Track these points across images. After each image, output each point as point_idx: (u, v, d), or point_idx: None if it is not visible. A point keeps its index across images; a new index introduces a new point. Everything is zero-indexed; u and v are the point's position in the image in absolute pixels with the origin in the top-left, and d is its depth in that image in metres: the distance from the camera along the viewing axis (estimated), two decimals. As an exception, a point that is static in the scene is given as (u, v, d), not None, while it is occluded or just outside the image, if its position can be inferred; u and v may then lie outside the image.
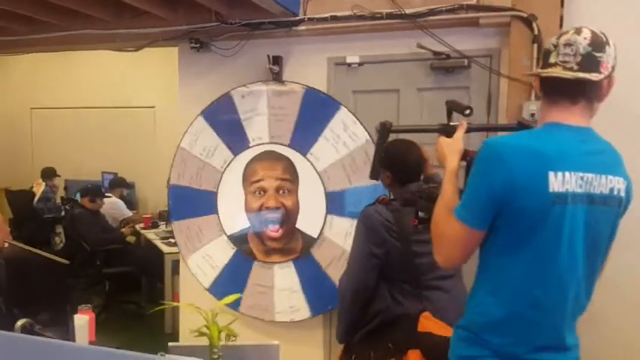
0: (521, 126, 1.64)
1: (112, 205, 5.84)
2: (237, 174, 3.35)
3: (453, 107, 1.75)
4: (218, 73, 3.49)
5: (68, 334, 1.50)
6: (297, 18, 3.21)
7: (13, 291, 1.68)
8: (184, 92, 3.65)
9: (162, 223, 5.82)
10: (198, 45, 3.42)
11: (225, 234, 3.39)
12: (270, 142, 3.28)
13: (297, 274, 3.26)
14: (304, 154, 3.21)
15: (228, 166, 3.37)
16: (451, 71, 3.07)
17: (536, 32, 2.79)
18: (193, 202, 3.42)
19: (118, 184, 6.28)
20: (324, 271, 3.20)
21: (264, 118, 3.29)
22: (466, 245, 1.49)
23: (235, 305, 3.15)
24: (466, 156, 1.62)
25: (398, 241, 2.18)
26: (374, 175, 2.04)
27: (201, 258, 3.47)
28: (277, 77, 3.29)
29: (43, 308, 1.58)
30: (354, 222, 2.33)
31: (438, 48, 3.02)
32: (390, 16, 3.04)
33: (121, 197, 6.24)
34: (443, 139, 1.66)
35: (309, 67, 3.30)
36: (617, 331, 2.84)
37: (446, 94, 3.10)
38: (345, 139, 3.14)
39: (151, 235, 5.41)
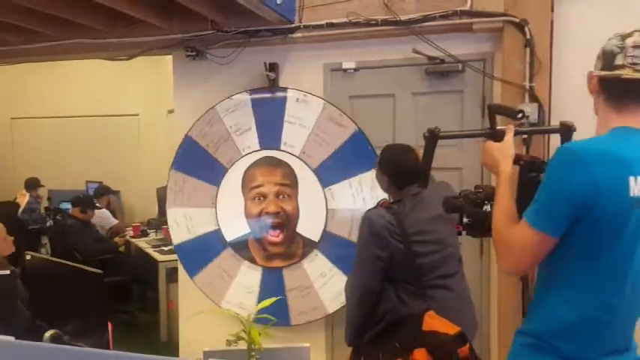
0: (565, 127, 1.62)
1: (100, 215, 5.79)
2: (235, 181, 3.37)
3: (500, 111, 1.69)
4: (214, 81, 3.50)
5: (102, 344, 1.50)
6: (293, 25, 3.25)
7: (36, 302, 1.66)
8: (180, 101, 3.65)
9: (151, 231, 5.79)
10: (194, 53, 3.43)
11: (229, 245, 3.43)
12: (268, 148, 3.31)
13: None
14: (304, 161, 3.26)
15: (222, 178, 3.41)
16: (446, 76, 3.15)
17: (528, 37, 2.88)
18: (202, 163, 3.44)
19: (104, 192, 6.23)
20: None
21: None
22: (538, 252, 1.45)
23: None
24: (519, 160, 1.58)
25: (400, 242, 2.21)
26: (423, 185, 2.03)
27: (182, 216, 3.50)
28: (274, 84, 3.32)
29: (71, 319, 1.58)
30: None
31: (433, 53, 3.09)
32: (385, 22, 3.11)
33: (108, 205, 6.18)
34: (491, 144, 1.62)
35: (306, 74, 3.35)
36: None
37: (440, 99, 3.20)
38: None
39: (141, 243, 5.38)
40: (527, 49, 2.88)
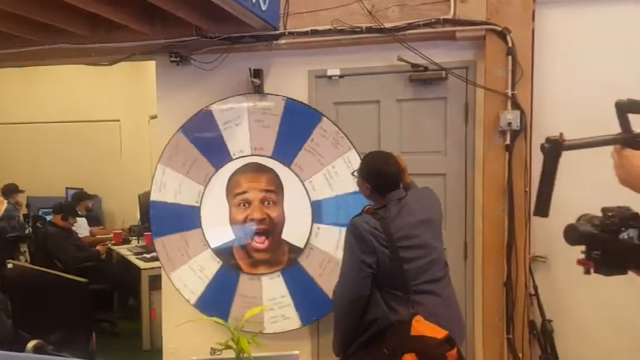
0: None
1: (77, 223, 5.70)
2: (220, 187, 3.35)
3: (634, 109, 1.31)
4: (198, 86, 3.48)
5: (87, 354, 1.47)
6: (278, 32, 3.26)
7: (18, 312, 1.62)
8: (163, 106, 3.62)
9: (133, 238, 5.72)
10: (178, 59, 3.41)
11: (210, 247, 3.38)
12: (254, 155, 3.30)
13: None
14: (288, 165, 3.25)
15: (210, 179, 3.37)
16: (429, 83, 3.18)
17: (510, 45, 2.94)
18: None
19: (82, 197, 6.13)
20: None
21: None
22: None
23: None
24: None
25: (386, 248, 2.22)
26: (541, 211, 1.42)
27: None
28: (258, 90, 3.32)
29: (55, 329, 1.55)
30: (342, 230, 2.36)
31: (417, 61, 3.12)
32: (369, 30, 3.13)
33: (87, 210, 6.10)
34: (632, 153, 1.27)
35: (290, 80, 3.35)
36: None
37: (424, 105, 3.24)
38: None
39: (123, 250, 5.31)
40: (509, 57, 2.94)
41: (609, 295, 2.84)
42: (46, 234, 5.00)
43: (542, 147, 1.38)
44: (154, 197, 3.46)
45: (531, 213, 1.78)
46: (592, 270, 1.29)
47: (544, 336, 2.94)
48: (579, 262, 1.32)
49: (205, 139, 3.36)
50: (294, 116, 3.23)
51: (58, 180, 6.80)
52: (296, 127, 3.23)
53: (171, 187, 3.41)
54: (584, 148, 1.32)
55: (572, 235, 1.32)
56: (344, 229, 2.37)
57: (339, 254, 2.46)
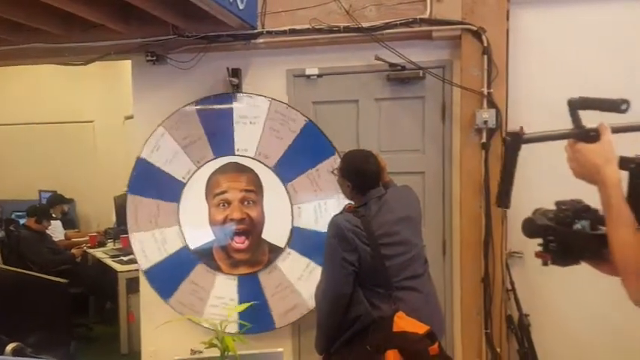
0: None
1: (52, 226, 5.60)
2: (199, 187, 3.33)
3: (591, 105, 1.33)
4: (175, 86, 3.45)
5: (67, 356, 1.45)
6: (256, 31, 3.25)
7: (-5, 315, 1.59)
8: (139, 106, 3.58)
9: (109, 240, 5.64)
10: (154, 58, 3.38)
11: (180, 225, 3.38)
12: (235, 155, 3.28)
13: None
14: (270, 167, 3.24)
15: (190, 177, 3.34)
16: (407, 82, 3.22)
17: (485, 44, 2.99)
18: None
19: (58, 201, 6.03)
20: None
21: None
22: None
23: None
24: (629, 163, 1.28)
25: (368, 246, 2.24)
26: (503, 202, 1.46)
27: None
28: (237, 89, 3.31)
29: (34, 331, 1.52)
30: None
31: (394, 60, 3.15)
32: (347, 29, 3.14)
33: (63, 214, 5.99)
34: (586, 147, 1.30)
35: (269, 80, 3.35)
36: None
37: (402, 104, 3.27)
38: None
39: (99, 253, 5.23)
40: (485, 57, 2.99)
41: (584, 290, 2.91)
42: (19, 237, 4.90)
43: (504, 140, 1.48)
44: (144, 155, 3.40)
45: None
46: (549, 262, 1.35)
47: (521, 330, 3.00)
48: (537, 254, 1.38)
49: (215, 125, 3.32)
50: (311, 138, 3.22)
51: (31, 183, 6.65)
52: (308, 151, 3.22)
53: (164, 153, 3.37)
54: (541, 141, 1.37)
55: (529, 228, 1.39)
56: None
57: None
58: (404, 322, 2.18)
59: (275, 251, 3.25)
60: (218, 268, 3.33)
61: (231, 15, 2.97)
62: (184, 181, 3.35)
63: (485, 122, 2.97)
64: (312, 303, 3.11)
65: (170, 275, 3.38)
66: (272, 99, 3.24)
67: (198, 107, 3.34)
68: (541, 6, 3.03)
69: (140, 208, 3.41)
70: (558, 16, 3.00)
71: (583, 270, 1.32)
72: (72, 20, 3.24)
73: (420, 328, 2.14)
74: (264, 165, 3.26)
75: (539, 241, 1.36)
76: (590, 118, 1.30)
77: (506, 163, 1.44)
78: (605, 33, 2.96)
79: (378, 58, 3.13)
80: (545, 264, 1.36)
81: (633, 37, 2.92)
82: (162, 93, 3.49)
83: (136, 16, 3.25)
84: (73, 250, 5.25)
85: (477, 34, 3.00)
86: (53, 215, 5.44)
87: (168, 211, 3.37)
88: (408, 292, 2.29)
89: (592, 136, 1.30)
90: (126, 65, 3.65)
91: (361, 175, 2.35)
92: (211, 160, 3.32)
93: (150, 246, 3.41)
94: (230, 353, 1.53)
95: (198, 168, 3.33)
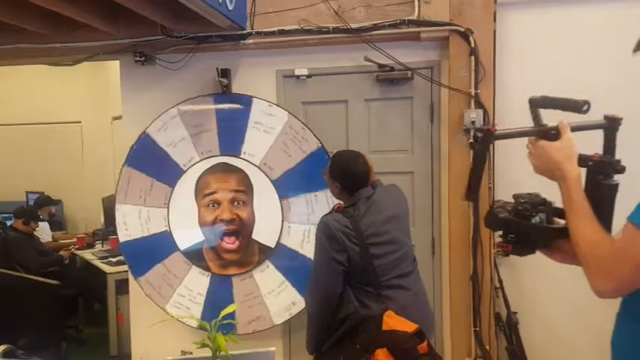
0: (609, 120, 1.35)
1: (39, 228, 5.55)
2: (189, 188, 3.32)
3: (552, 105, 1.38)
4: (164, 86, 3.44)
5: (58, 358, 1.44)
6: (245, 32, 3.25)
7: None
8: (128, 107, 3.56)
9: (97, 242, 5.60)
10: (142, 58, 3.36)
11: (169, 212, 3.36)
12: (223, 155, 3.28)
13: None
14: (256, 164, 3.25)
15: (191, 167, 3.33)
16: (396, 83, 3.24)
17: (472, 45, 3.02)
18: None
19: (46, 202, 5.97)
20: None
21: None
22: None
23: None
24: (587, 160, 1.32)
25: (357, 245, 2.25)
26: (471, 196, 1.54)
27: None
28: (226, 90, 3.31)
29: (24, 333, 1.52)
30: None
31: (383, 61, 3.17)
32: (336, 30, 3.16)
33: (50, 216, 5.94)
34: (548, 144, 1.35)
35: (258, 80, 3.35)
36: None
37: (391, 105, 3.29)
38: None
39: (87, 255, 5.19)
40: (472, 57, 3.02)
41: (571, 288, 2.92)
42: (6, 239, 4.85)
43: (476, 137, 1.59)
44: (149, 131, 3.35)
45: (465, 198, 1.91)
46: (510, 252, 1.42)
47: (509, 328, 3.04)
48: (499, 245, 1.45)
49: (229, 123, 3.29)
50: (319, 165, 3.09)
51: (18, 184, 6.58)
52: (313, 176, 3.14)
53: (170, 135, 3.33)
54: (510, 138, 1.44)
55: (491, 220, 1.47)
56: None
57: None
58: (393, 321, 2.20)
59: (265, 251, 3.26)
60: (206, 268, 3.32)
61: (221, 15, 2.97)
62: (184, 168, 3.33)
63: (473, 122, 3.00)
64: (276, 320, 3.27)
65: (146, 255, 3.37)
66: (289, 113, 3.23)
67: (216, 103, 3.32)
68: (528, 8, 3.07)
69: (133, 181, 3.37)
70: (545, 18, 3.04)
71: (570, 268, 1.35)
72: (59, 20, 3.22)
73: (409, 327, 2.16)
74: (266, 175, 3.26)
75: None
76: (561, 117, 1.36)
77: (477, 159, 1.53)
78: (591, 34, 3.00)
79: (367, 59, 3.15)
80: (506, 255, 1.43)
81: (618, 38, 2.95)
82: (151, 93, 3.48)
83: (124, 16, 3.24)
84: (61, 252, 5.21)
85: (465, 36, 3.03)
86: (41, 217, 5.38)
87: (161, 192, 3.34)
88: (397, 291, 2.31)
89: (553, 134, 1.35)
90: (113, 65, 3.62)
91: (351, 176, 2.37)
92: (215, 156, 3.31)
93: (133, 221, 3.38)
94: (222, 353, 1.53)
95: (201, 160, 3.31)
